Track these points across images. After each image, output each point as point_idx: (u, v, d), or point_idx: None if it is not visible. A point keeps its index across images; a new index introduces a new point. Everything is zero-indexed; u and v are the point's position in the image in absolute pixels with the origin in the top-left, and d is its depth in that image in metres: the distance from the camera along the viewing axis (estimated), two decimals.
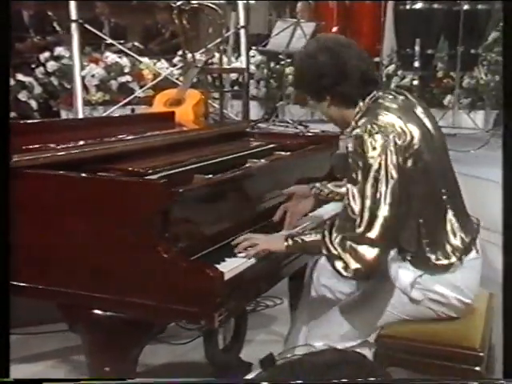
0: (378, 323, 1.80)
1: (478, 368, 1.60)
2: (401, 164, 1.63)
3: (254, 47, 4.60)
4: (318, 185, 2.05)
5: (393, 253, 1.75)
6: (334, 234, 1.62)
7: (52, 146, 1.85)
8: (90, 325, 1.54)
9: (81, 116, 4.51)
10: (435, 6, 4.48)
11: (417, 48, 4.23)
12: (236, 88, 5.55)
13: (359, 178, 1.62)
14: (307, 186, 2.06)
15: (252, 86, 5.68)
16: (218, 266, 1.51)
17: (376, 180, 1.60)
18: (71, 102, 5.20)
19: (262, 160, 2.20)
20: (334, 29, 4.61)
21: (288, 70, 5.90)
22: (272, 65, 5.65)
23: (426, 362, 1.65)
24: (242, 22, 4.65)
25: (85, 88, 5.50)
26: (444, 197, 1.72)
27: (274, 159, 2.18)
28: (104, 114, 4.98)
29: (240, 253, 1.65)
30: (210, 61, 3.82)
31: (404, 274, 1.73)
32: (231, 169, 2.02)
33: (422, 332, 1.71)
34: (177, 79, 5.17)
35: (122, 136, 2.17)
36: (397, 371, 1.69)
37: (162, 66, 5.86)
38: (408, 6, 4.45)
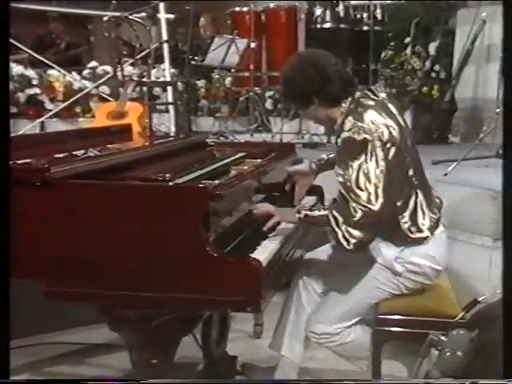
0: (370, 301, 2.09)
1: None
2: (384, 157, 1.91)
3: (194, 61, 4.75)
4: (315, 160, 2.42)
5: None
6: (338, 218, 1.90)
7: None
8: (137, 323, 1.65)
9: None
10: (342, 26, 4.97)
11: None
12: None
13: (352, 175, 1.89)
14: (306, 163, 2.42)
15: (165, 99, 5.78)
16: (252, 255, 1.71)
17: (367, 175, 1.88)
18: None
19: (245, 167, 2.41)
20: (253, 44, 4.90)
21: (200, 83, 6.13)
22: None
23: (418, 333, 1.92)
24: (164, 37, 4.78)
25: None
26: (415, 181, 2.03)
27: (262, 165, 2.38)
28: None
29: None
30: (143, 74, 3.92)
31: (387, 251, 2.04)
32: (222, 175, 2.21)
33: (411, 306, 2.02)
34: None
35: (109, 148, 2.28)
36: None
37: (72, 78, 5.79)
38: (318, 26, 4.91)
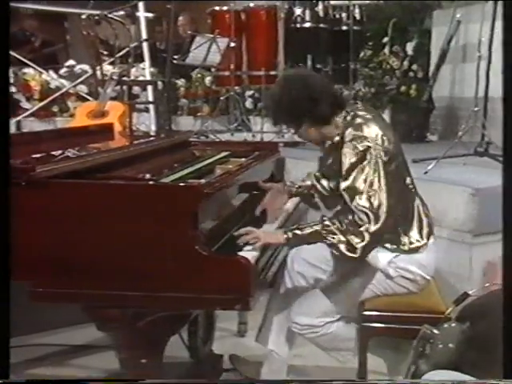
0: (356, 298, 2.11)
1: None
2: (385, 166, 1.94)
3: (175, 60, 4.73)
4: (289, 183, 2.38)
5: None
6: (337, 224, 1.91)
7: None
8: (125, 323, 1.64)
9: None
10: (321, 25, 5.01)
11: (309, 62, 4.71)
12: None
13: (356, 185, 1.92)
14: (281, 184, 2.37)
15: (144, 98, 5.75)
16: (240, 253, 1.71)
17: (371, 184, 1.91)
18: None
19: (230, 166, 2.41)
20: (232, 44, 4.90)
21: (180, 82, 6.10)
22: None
23: (403, 328, 1.97)
24: (144, 35, 4.75)
25: None
26: (412, 188, 2.07)
27: (246, 164, 2.39)
28: None
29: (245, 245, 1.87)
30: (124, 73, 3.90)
31: (382, 255, 2.05)
32: (207, 174, 2.22)
33: (396, 303, 2.05)
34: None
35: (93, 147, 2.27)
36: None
37: (49, 76, 5.71)
38: (298, 25, 4.95)
